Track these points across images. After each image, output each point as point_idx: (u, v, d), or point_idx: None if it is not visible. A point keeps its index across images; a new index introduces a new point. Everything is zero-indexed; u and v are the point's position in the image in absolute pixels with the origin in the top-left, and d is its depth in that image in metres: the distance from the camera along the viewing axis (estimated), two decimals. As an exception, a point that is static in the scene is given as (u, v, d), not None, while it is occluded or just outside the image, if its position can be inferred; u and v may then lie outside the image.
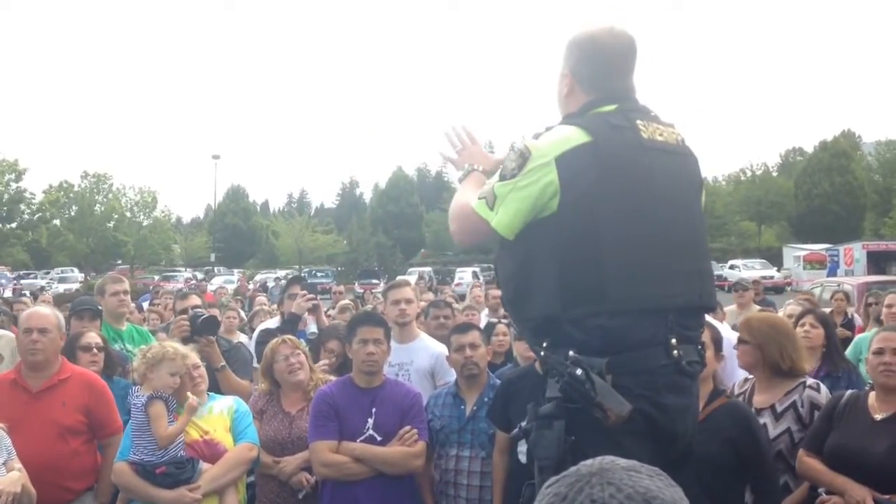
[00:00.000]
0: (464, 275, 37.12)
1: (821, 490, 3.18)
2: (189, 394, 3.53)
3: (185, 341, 4.31)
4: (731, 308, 8.56)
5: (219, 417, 3.66)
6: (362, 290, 24.68)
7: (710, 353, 3.27)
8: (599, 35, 2.33)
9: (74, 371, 3.88)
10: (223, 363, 4.42)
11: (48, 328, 3.78)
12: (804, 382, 3.53)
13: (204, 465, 3.47)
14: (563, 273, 2.13)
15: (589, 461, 1.07)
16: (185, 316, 4.57)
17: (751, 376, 3.75)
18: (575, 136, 2.16)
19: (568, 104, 2.37)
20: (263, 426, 3.95)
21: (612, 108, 2.26)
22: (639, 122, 2.25)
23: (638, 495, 0.98)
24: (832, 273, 28.94)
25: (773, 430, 3.43)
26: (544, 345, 2.17)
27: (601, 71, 2.32)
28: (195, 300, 5.66)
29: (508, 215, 2.18)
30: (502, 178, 2.21)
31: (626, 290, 2.10)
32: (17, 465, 3.23)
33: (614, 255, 2.11)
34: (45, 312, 3.92)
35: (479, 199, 2.25)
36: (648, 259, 2.15)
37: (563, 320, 2.12)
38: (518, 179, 2.16)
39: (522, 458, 3.48)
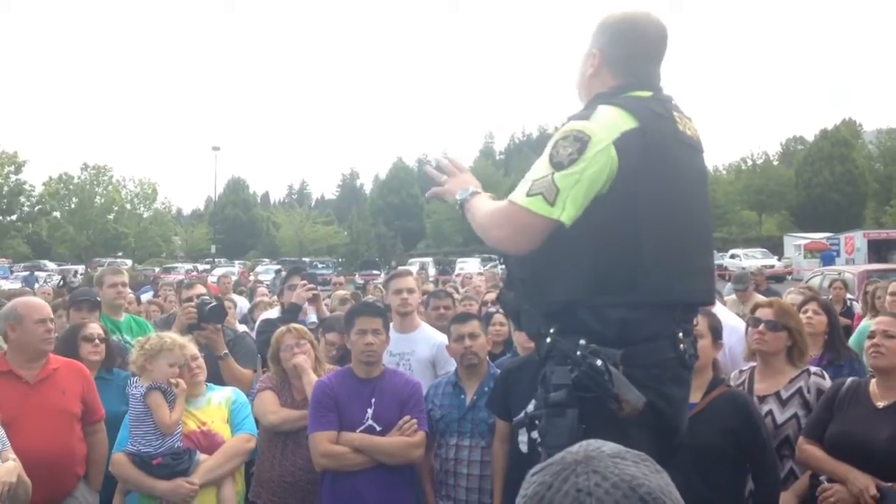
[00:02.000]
0: (465, 265, 37.10)
1: (822, 478, 3.17)
2: (176, 380, 3.52)
3: (191, 328, 4.34)
4: (731, 298, 8.55)
5: (217, 408, 3.66)
6: (363, 281, 24.69)
7: (707, 342, 3.27)
8: (635, 17, 2.27)
9: (59, 361, 3.85)
10: (226, 351, 4.42)
11: (52, 317, 3.79)
12: (808, 370, 3.55)
13: (201, 456, 3.48)
14: (599, 259, 2.07)
15: (574, 447, 1.06)
16: (192, 303, 4.58)
17: (746, 367, 3.74)
18: (623, 120, 2.09)
19: (592, 85, 2.30)
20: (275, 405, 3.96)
21: (648, 94, 2.21)
22: (675, 113, 2.22)
23: (623, 483, 0.97)
24: (829, 262, 28.80)
25: (780, 416, 3.43)
26: (552, 330, 2.14)
27: (632, 54, 2.25)
28: (200, 289, 5.66)
29: (577, 206, 2.03)
30: (558, 166, 2.04)
31: (656, 282, 2.09)
32: (12, 455, 3.23)
33: (651, 246, 2.08)
34: (44, 301, 3.91)
35: (531, 195, 2.05)
36: (677, 253, 2.15)
37: (582, 308, 2.08)
38: (584, 166, 2.02)
39: (523, 448, 3.46)
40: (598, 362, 1.97)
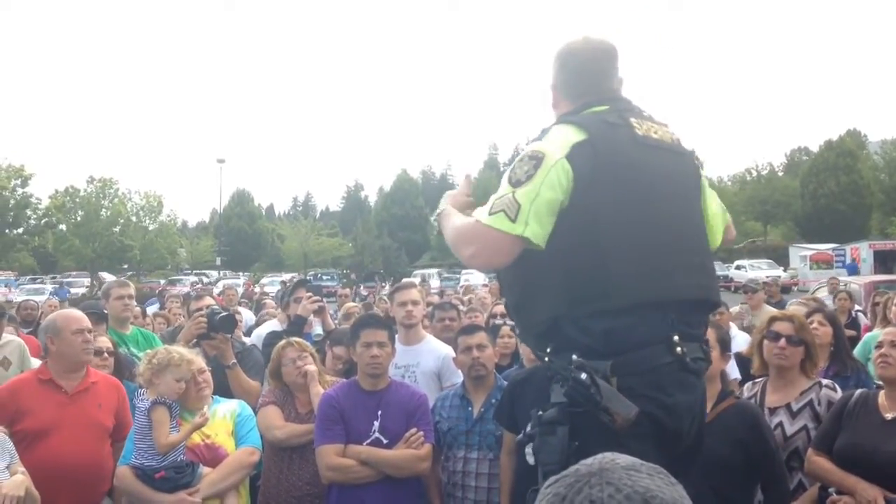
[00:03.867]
0: (470, 276, 37.08)
1: (831, 490, 3.16)
2: (206, 408, 3.53)
3: (201, 337, 4.37)
4: (736, 309, 8.52)
5: (221, 421, 3.64)
6: (367, 293, 24.69)
7: (715, 353, 3.27)
8: (573, 45, 2.43)
9: (98, 375, 3.93)
10: (234, 361, 4.44)
11: (91, 329, 3.84)
12: (819, 382, 3.55)
13: (204, 470, 3.46)
14: (569, 271, 2.12)
15: (589, 460, 1.06)
16: (202, 312, 4.61)
17: (759, 379, 3.73)
18: (572, 135, 2.18)
19: (557, 113, 2.45)
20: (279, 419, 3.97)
21: (604, 108, 2.30)
22: (632, 119, 2.28)
23: (637, 495, 0.97)
24: (853, 272, 28.69)
25: (790, 428, 3.42)
26: (548, 350, 2.17)
27: (576, 77, 2.39)
28: (209, 300, 5.68)
29: (541, 223, 2.09)
30: (517, 183, 2.11)
31: (629, 284, 2.10)
32: (21, 468, 3.24)
33: (616, 250, 2.11)
34: (83, 314, 3.96)
35: (493, 214, 2.11)
36: (648, 252, 2.16)
37: (567, 323, 2.11)
38: (540, 181, 2.09)
39: (530, 460, 3.46)
40: (583, 376, 1.98)
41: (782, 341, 3.53)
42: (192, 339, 4.41)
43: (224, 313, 4.55)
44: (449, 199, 2.51)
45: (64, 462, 3.45)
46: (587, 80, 2.38)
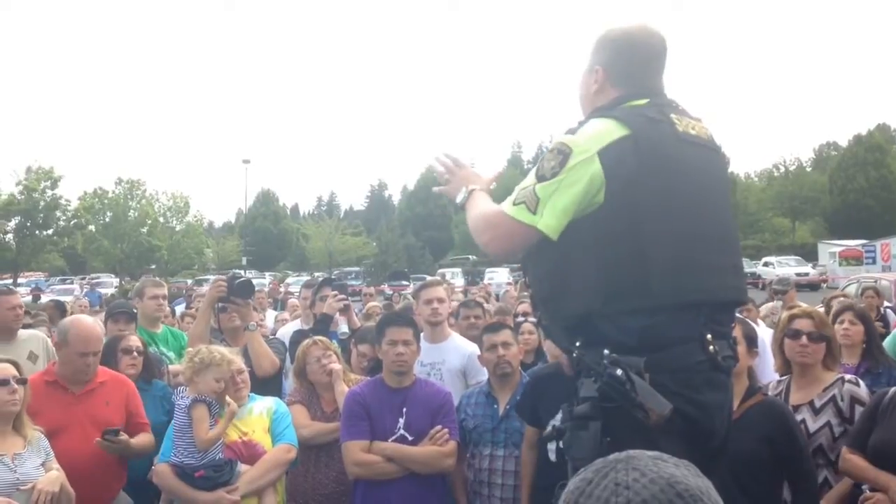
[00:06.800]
0: (494, 275, 37.03)
1: (864, 486, 3.13)
2: (228, 399, 3.55)
3: (220, 301, 4.53)
4: (769, 305, 8.42)
5: (258, 418, 3.67)
6: (392, 292, 24.73)
7: (742, 349, 3.23)
8: (634, 31, 2.33)
9: (107, 374, 3.93)
10: (254, 323, 4.51)
11: (99, 350, 3.83)
12: (842, 378, 3.50)
13: (242, 467, 3.49)
14: (606, 267, 2.09)
15: (619, 452, 1.08)
16: (223, 276, 4.71)
17: (784, 377, 3.70)
18: (614, 130, 2.13)
19: (596, 100, 2.35)
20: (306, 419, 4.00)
21: (643, 102, 2.25)
22: (672, 115, 2.24)
23: (661, 479, 0.99)
24: None
25: (813, 425, 3.39)
26: (577, 344, 2.15)
27: (634, 66, 2.30)
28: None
29: (556, 216, 2.10)
30: (541, 178, 2.12)
31: (669, 284, 2.08)
32: (55, 465, 3.29)
33: (657, 248, 2.09)
34: (98, 332, 3.89)
35: (516, 204, 2.15)
36: (689, 252, 2.14)
37: (600, 318, 2.09)
38: (562, 177, 2.09)
39: (552, 456, 3.46)
40: (619, 372, 1.97)
41: (803, 338, 3.49)
42: (213, 302, 4.59)
43: (243, 279, 4.69)
44: (479, 184, 2.51)
45: (73, 462, 3.43)
46: (643, 70, 2.31)
